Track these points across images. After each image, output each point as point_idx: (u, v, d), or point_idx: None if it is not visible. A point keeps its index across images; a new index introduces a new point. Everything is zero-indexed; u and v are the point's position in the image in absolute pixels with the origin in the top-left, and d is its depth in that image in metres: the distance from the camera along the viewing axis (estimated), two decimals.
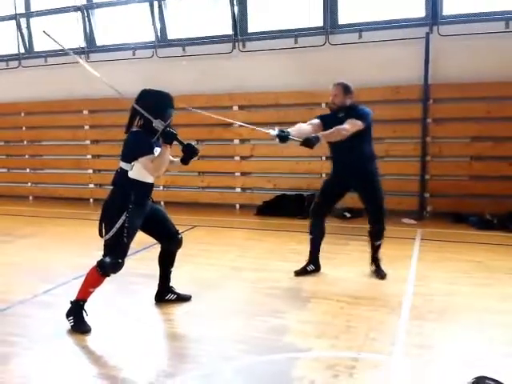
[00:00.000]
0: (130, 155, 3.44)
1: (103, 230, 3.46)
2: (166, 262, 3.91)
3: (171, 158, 3.61)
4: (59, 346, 3.21)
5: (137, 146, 3.43)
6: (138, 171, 3.44)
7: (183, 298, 3.97)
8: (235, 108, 8.03)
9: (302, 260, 4.97)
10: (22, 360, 3.00)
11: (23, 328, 3.55)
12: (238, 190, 8.27)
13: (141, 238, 6.15)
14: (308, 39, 7.58)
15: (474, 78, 6.72)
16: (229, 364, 2.91)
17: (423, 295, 3.96)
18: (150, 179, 3.54)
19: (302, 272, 4.54)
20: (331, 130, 4.13)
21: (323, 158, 7.64)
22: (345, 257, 5.16)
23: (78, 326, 3.45)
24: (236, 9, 7.90)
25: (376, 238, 4.53)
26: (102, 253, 3.46)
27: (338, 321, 3.49)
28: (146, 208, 3.63)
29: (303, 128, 4.30)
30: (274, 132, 3.98)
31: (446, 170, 7.15)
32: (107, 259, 3.43)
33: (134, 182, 3.46)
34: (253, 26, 8.07)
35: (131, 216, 3.41)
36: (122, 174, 3.48)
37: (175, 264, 4.96)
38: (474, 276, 4.44)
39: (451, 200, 7.12)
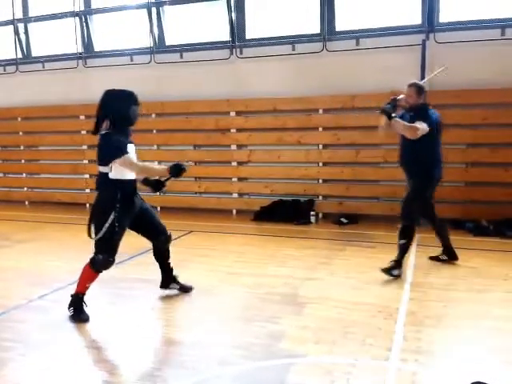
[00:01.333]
0: (106, 158, 3.56)
1: (92, 231, 3.61)
2: (161, 257, 4.09)
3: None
4: (55, 352, 3.19)
5: (111, 148, 3.54)
6: (117, 171, 3.57)
7: (185, 289, 4.19)
8: (233, 114, 8.04)
9: (298, 265, 4.98)
10: (17, 365, 2.98)
11: (18, 333, 3.52)
12: (235, 195, 8.27)
13: (136, 243, 6.14)
14: (305, 46, 7.61)
15: (471, 85, 6.76)
16: (226, 369, 2.90)
17: (420, 301, 3.96)
18: (130, 176, 3.65)
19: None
20: (402, 124, 4.44)
21: (320, 164, 7.67)
22: (342, 262, 5.15)
23: (77, 315, 3.65)
24: (234, 15, 7.93)
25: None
26: (93, 251, 3.61)
27: (334, 326, 3.48)
28: (135, 206, 3.74)
29: None
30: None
31: (443, 176, 7.15)
32: (99, 257, 3.60)
33: (117, 182, 3.58)
34: (250, 33, 8.10)
35: (119, 215, 3.56)
36: (103, 176, 3.60)
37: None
38: (470, 282, 4.44)
39: (447, 206, 7.12)
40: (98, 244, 3.62)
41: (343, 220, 7.20)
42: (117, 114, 3.59)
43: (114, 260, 3.66)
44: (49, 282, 4.46)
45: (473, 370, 2.83)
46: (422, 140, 4.43)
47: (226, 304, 3.98)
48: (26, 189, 9.70)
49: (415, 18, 7.15)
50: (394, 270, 4.57)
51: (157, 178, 3.82)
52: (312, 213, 7.44)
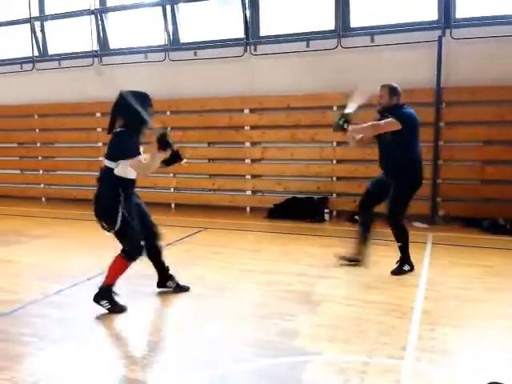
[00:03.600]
0: (116, 155, 3.65)
1: (105, 226, 3.71)
2: (154, 255, 4.08)
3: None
4: (71, 346, 3.23)
5: (124, 147, 3.64)
6: (122, 169, 3.67)
7: (182, 288, 4.18)
8: (246, 111, 8.05)
9: (313, 263, 4.98)
10: (35, 360, 3.03)
11: (35, 328, 3.58)
12: (249, 192, 8.29)
13: None
14: (320, 42, 7.58)
15: (487, 82, 6.68)
16: (240, 366, 2.91)
17: (434, 300, 3.94)
18: (132, 176, 3.75)
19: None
20: (360, 127, 4.49)
21: (334, 162, 7.64)
22: None
23: (115, 307, 3.73)
24: (248, 12, 7.93)
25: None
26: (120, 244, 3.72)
27: (348, 325, 3.48)
28: (132, 201, 3.83)
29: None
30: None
31: (458, 174, 7.10)
32: (129, 246, 3.71)
33: (120, 178, 3.68)
34: (264, 30, 8.09)
35: (125, 204, 3.67)
36: (108, 171, 3.69)
37: (186, 266, 5.01)
38: (485, 281, 4.40)
39: (463, 204, 7.06)
40: (120, 237, 3.71)
41: (357, 218, 7.14)
42: (132, 116, 3.64)
43: (142, 245, 3.77)
44: (65, 277, 4.52)
45: (488, 370, 2.81)
46: (399, 141, 4.39)
47: (239, 301, 3.99)
48: (42, 185, 9.83)
49: (431, 13, 7.08)
50: (404, 266, 4.60)
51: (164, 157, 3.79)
52: (326, 210, 7.43)
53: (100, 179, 3.78)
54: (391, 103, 4.50)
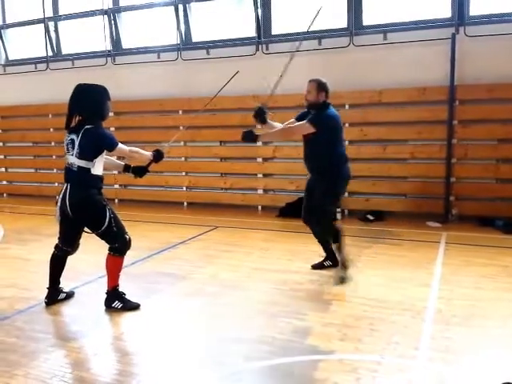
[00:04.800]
0: (100, 150, 3.66)
1: (90, 228, 3.75)
2: (63, 264, 3.96)
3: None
4: (84, 344, 3.27)
5: (108, 139, 3.69)
6: (98, 167, 3.71)
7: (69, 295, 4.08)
8: None
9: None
10: (49, 356, 3.06)
11: (49, 325, 3.64)
12: (260, 191, 8.29)
13: (164, 238, 6.24)
14: (332, 41, 7.55)
15: (501, 79, 6.60)
16: (251, 364, 2.92)
17: (448, 299, 3.90)
18: (101, 172, 3.78)
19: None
20: (271, 133, 4.43)
21: None
22: (368, 259, 5.11)
23: (127, 305, 3.78)
24: (260, 11, 7.93)
25: None
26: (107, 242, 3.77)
27: (360, 324, 3.46)
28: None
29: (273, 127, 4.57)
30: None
31: (472, 173, 7.03)
32: (118, 243, 3.72)
33: (97, 177, 3.72)
34: (276, 28, 8.08)
35: (106, 201, 3.74)
36: (83, 172, 3.65)
37: (198, 264, 5.04)
38: (499, 281, 4.35)
39: (477, 203, 6.99)
40: (107, 235, 3.71)
41: (369, 217, 7.13)
42: (91, 109, 3.66)
43: (130, 237, 3.80)
44: (78, 275, 4.56)
45: (502, 370, 2.78)
46: (319, 140, 4.24)
47: (251, 299, 4.00)
48: (56, 184, 9.91)
49: (445, 11, 7.01)
50: (344, 276, 4.33)
51: (138, 164, 4.05)
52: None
53: (72, 181, 3.67)
54: (318, 100, 4.30)
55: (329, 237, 4.48)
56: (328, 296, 4.04)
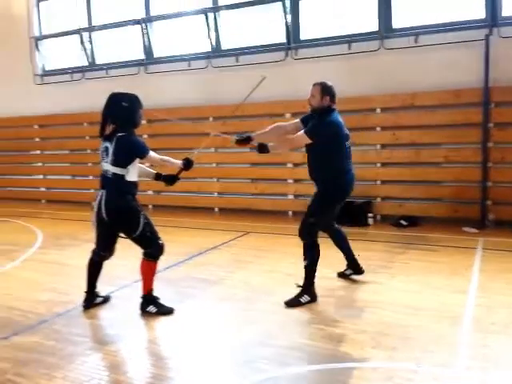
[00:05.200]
0: (132, 157, 3.74)
1: (123, 233, 3.87)
2: (100, 269, 4.06)
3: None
4: (120, 347, 3.34)
5: (140, 147, 3.78)
6: (132, 173, 3.79)
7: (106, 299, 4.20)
8: (288, 115, 8.05)
9: None
10: (86, 359, 3.14)
11: (87, 329, 3.73)
12: (291, 196, 8.28)
13: (196, 244, 6.31)
14: (362, 44, 7.50)
15: None
16: (285, 370, 2.91)
17: (485, 307, 3.81)
18: (136, 178, 3.88)
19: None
20: (282, 140, 4.18)
21: (378, 165, 7.52)
22: (402, 266, 5.03)
23: (161, 309, 3.86)
24: (289, 17, 7.95)
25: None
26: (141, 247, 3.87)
27: (395, 331, 3.41)
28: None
29: (274, 130, 4.42)
30: (233, 138, 4.26)
31: (509, 177, 6.83)
32: (151, 248, 3.81)
33: (132, 183, 3.80)
34: (305, 33, 8.08)
35: (140, 207, 3.84)
36: (118, 178, 3.74)
37: (230, 269, 5.07)
38: None
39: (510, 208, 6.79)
40: (142, 240, 3.80)
41: (403, 222, 7.02)
42: (124, 118, 3.75)
43: (163, 242, 3.88)
44: (114, 279, 4.66)
45: None
46: (318, 150, 4.02)
47: (283, 305, 3.98)
48: (92, 190, 10.15)
49: (478, 12, 6.86)
50: (302, 298, 3.99)
51: (169, 173, 4.14)
52: (370, 215, 7.32)
53: (108, 188, 3.77)
54: (323, 104, 4.03)
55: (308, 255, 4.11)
56: (361, 303, 4.00)
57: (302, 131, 4.03)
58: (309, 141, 3.97)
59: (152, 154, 3.83)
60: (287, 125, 4.46)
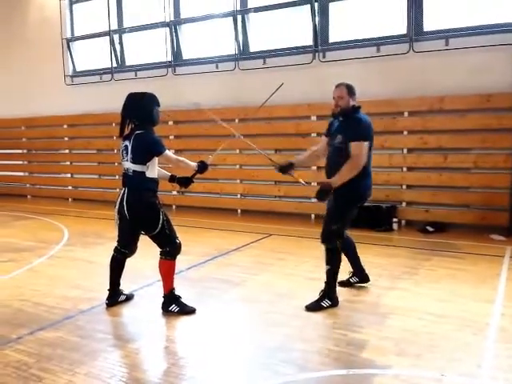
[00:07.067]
0: (149, 155, 3.77)
1: (142, 230, 3.91)
2: (122, 267, 4.12)
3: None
4: (142, 345, 3.37)
5: (155, 145, 3.80)
6: (152, 170, 3.82)
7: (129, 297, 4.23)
8: (313, 118, 8.02)
9: (381, 273, 4.85)
10: (108, 356, 3.18)
11: (109, 326, 3.78)
12: (314, 199, 8.21)
13: (219, 245, 6.33)
14: (391, 47, 7.41)
15: None
16: (307, 375, 2.89)
17: None
18: (156, 175, 3.91)
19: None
20: (341, 173, 3.83)
21: (404, 169, 7.42)
22: (427, 272, 4.94)
23: (183, 308, 3.88)
24: (317, 19, 7.92)
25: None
26: (160, 245, 3.90)
27: (419, 339, 3.35)
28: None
29: (313, 155, 4.45)
30: (276, 165, 4.29)
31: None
32: (169, 247, 3.85)
33: (152, 180, 3.83)
34: (334, 36, 8.04)
35: (161, 205, 3.86)
36: (138, 175, 3.79)
37: (252, 271, 5.06)
38: None
39: None
40: (160, 238, 3.83)
41: (429, 228, 6.90)
42: (142, 116, 3.80)
43: (180, 241, 3.92)
44: (138, 278, 4.72)
45: None
46: (347, 152, 3.85)
47: (305, 310, 3.96)
48: (118, 190, 10.29)
49: (509, 14, 6.70)
50: (323, 302, 3.96)
51: (183, 175, 4.18)
52: (394, 219, 7.22)
53: (129, 185, 3.84)
54: (349, 105, 3.98)
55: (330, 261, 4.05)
56: (385, 309, 3.94)
57: (352, 144, 3.83)
58: (367, 147, 3.86)
59: (168, 153, 3.87)
60: (319, 146, 4.42)
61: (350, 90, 4.02)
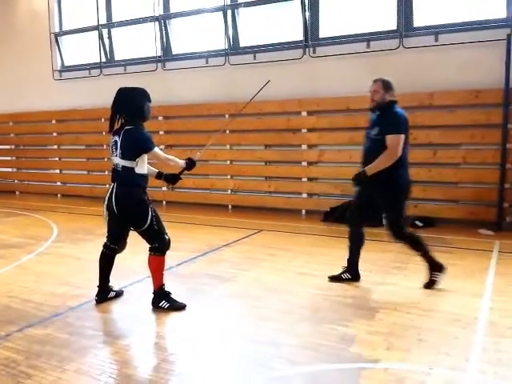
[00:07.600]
0: (137, 151, 3.75)
1: (131, 225, 3.88)
2: (112, 263, 4.10)
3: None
4: (132, 342, 3.35)
5: (143, 141, 3.76)
6: (142, 166, 3.80)
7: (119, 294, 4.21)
8: (304, 113, 8.03)
9: (371, 268, 4.88)
10: (98, 353, 3.16)
11: (99, 322, 3.75)
12: (305, 195, 8.25)
13: (209, 240, 6.32)
14: (381, 43, 7.44)
15: None
16: (297, 369, 2.90)
17: (501, 311, 3.74)
18: (145, 171, 3.89)
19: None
20: (377, 162, 4.07)
21: None
22: (416, 267, 4.95)
23: (174, 305, 3.87)
24: (307, 14, 7.91)
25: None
26: (149, 241, 3.88)
27: (408, 333, 3.38)
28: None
29: None
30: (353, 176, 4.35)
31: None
32: (158, 243, 3.82)
33: (142, 175, 3.81)
34: (324, 31, 8.03)
35: (151, 203, 3.84)
36: (127, 171, 3.77)
37: (242, 267, 5.06)
38: None
39: None
40: (149, 233, 3.81)
41: (418, 223, 6.95)
42: (132, 111, 3.78)
43: (169, 237, 3.90)
44: (127, 274, 4.70)
45: None
46: (385, 141, 4.04)
47: (296, 304, 3.98)
48: (107, 185, 10.23)
49: (499, 11, 6.75)
50: (434, 275, 4.23)
51: (170, 172, 4.17)
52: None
53: (119, 181, 3.81)
54: (385, 99, 4.14)
55: (413, 245, 4.28)
56: (374, 304, 3.96)
57: (388, 137, 4.02)
58: (402, 139, 4.03)
59: (157, 150, 3.84)
60: None
61: (386, 85, 4.16)
